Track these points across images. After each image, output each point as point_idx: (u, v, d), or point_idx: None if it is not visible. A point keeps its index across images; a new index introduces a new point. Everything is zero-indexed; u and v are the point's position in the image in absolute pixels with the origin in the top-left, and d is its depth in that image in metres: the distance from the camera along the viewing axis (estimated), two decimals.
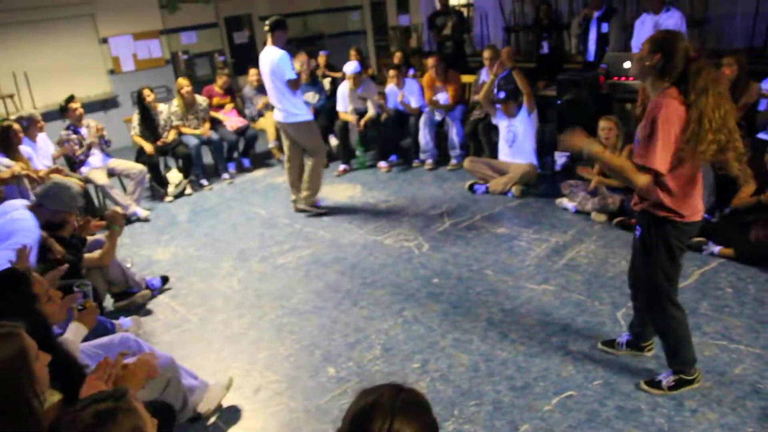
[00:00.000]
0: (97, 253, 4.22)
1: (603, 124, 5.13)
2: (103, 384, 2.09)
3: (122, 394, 1.42)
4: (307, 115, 5.84)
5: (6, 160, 5.26)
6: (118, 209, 4.42)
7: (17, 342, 1.69)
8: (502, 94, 5.94)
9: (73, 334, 2.71)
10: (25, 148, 5.79)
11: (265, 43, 5.73)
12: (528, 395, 3.15)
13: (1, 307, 2.17)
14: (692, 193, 2.78)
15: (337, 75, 8.32)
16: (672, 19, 6.16)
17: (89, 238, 4.47)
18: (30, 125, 6.06)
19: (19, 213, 3.72)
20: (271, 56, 5.58)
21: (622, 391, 3.09)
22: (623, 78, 5.99)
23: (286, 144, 6.04)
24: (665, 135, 2.60)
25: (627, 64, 5.93)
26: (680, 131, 2.61)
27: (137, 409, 1.41)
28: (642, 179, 2.70)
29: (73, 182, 4.55)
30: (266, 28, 5.64)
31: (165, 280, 4.83)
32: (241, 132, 7.81)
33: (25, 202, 3.98)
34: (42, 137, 6.28)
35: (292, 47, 11.11)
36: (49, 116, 7.93)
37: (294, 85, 5.61)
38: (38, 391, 1.71)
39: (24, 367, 1.67)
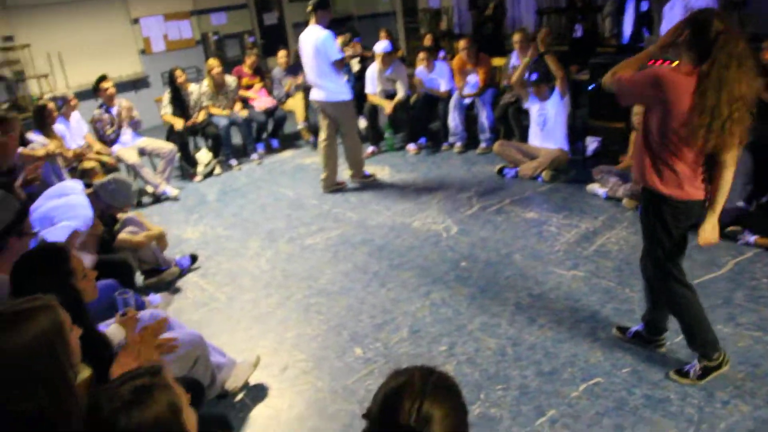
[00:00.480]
0: (132, 236, 4.29)
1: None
2: (134, 361, 2.13)
3: (158, 370, 1.45)
4: (348, 95, 5.96)
5: (41, 138, 5.35)
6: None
7: (53, 313, 1.72)
8: (534, 76, 5.85)
9: (112, 336, 2.75)
10: (59, 127, 5.89)
11: (295, 25, 5.77)
12: (555, 381, 3.13)
13: (39, 278, 2.21)
14: (685, 172, 2.76)
15: (368, 54, 8.27)
16: (702, 1, 5.98)
17: (120, 216, 4.53)
18: (64, 104, 6.17)
19: (77, 198, 3.78)
20: (315, 36, 5.64)
21: (651, 380, 3.05)
22: (659, 62, 5.86)
23: (324, 123, 6.08)
24: (639, 76, 2.79)
25: None
26: (648, 97, 2.75)
27: (172, 385, 1.43)
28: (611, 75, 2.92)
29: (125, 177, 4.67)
30: (309, 8, 5.68)
31: (194, 258, 4.88)
32: (270, 112, 7.83)
33: (82, 186, 4.06)
34: (75, 116, 6.39)
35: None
36: (81, 96, 8.02)
37: (339, 65, 5.74)
38: (73, 362, 1.74)
39: (59, 338, 1.70)
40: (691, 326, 2.97)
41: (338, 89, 5.84)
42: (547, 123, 5.94)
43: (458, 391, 1.43)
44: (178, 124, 6.98)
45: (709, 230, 2.81)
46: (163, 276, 4.60)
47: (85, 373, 2.03)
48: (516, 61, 6.63)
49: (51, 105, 5.79)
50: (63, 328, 1.73)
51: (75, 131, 6.29)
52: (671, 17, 6.13)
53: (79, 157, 5.84)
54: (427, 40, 7.88)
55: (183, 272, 4.74)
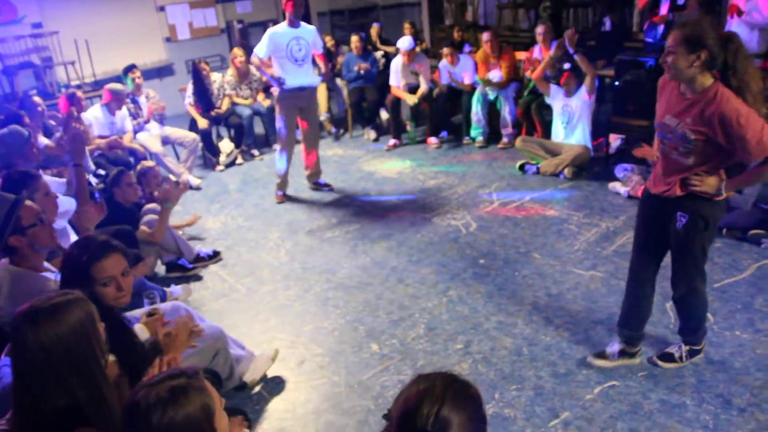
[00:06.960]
0: (149, 228, 4.33)
1: None
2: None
3: (195, 372, 1.52)
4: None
5: None
6: (172, 185, 4.44)
7: (86, 305, 1.81)
8: (567, 65, 5.77)
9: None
10: (86, 116, 5.96)
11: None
12: (570, 383, 3.13)
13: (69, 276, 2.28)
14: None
15: (391, 50, 8.25)
16: None
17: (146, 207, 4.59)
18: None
19: None
20: None
21: (667, 385, 3.04)
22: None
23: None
24: None
25: None
26: None
27: (207, 388, 1.50)
28: None
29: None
30: None
31: (216, 254, 4.89)
32: None
33: None
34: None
35: (344, 18, 11.09)
36: (107, 83, 8.11)
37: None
38: (103, 351, 1.82)
39: (93, 327, 1.79)
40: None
41: None
42: (571, 119, 5.89)
43: (479, 400, 1.47)
44: (203, 123, 6.99)
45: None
46: (187, 274, 4.63)
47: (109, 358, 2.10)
48: (538, 54, 6.55)
49: (80, 93, 5.87)
50: (95, 319, 1.81)
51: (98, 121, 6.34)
52: None
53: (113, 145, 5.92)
54: (456, 34, 7.79)
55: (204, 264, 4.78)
